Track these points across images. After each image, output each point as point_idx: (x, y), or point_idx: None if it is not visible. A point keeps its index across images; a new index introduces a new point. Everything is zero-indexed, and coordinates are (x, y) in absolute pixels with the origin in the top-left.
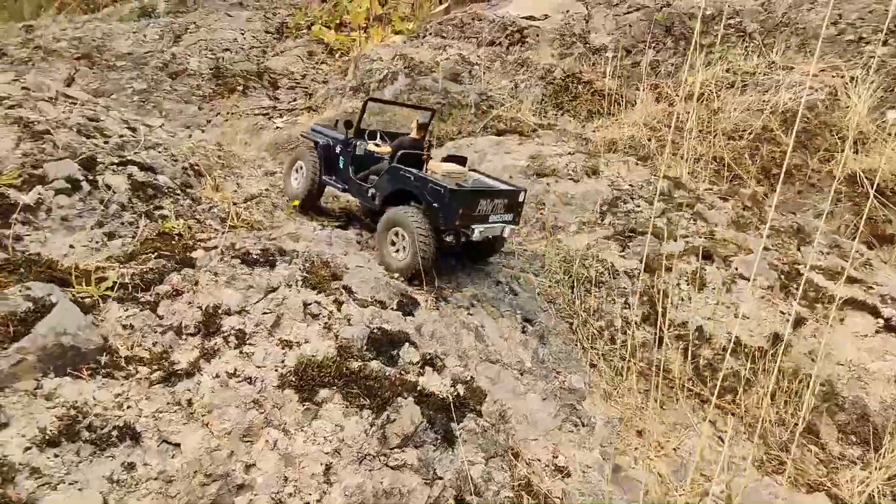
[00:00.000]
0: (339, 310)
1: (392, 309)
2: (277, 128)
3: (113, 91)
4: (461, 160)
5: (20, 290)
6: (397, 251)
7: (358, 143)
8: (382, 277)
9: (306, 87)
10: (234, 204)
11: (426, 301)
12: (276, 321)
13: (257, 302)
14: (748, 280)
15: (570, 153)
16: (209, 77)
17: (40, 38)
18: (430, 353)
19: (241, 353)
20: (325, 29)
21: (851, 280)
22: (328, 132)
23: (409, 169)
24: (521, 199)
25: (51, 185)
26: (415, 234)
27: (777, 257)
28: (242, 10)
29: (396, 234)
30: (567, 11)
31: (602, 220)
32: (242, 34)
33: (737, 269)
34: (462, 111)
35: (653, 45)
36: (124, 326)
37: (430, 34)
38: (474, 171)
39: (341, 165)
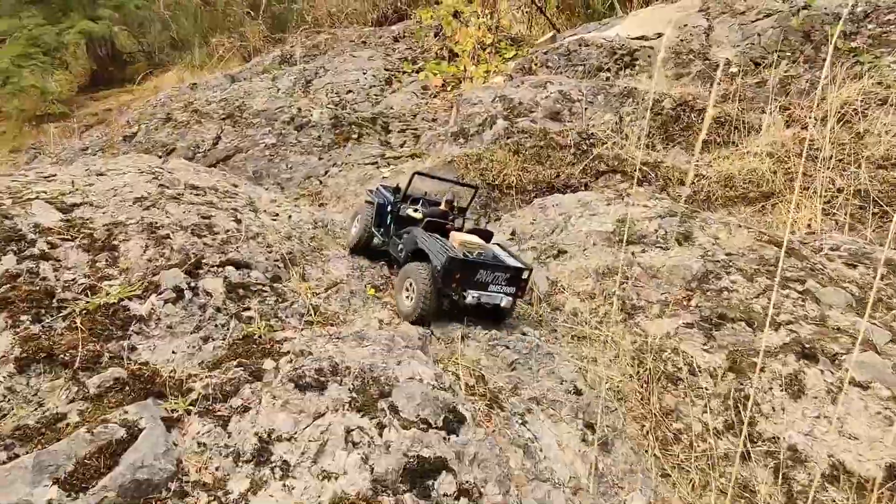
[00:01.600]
0: (380, 434)
1: (436, 428)
2: (384, 177)
3: (249, 147)
4: (486, 235)
5: (119, 416)
6: (407, 298)
7: (401, 207)
8: (431, 392)
9: (415, 129)
10: (315, 294)
11: (476, 411)
12: (319, 449)
13: (306, 428)
14: (862, 388)
15: (661, 215)
16: (328, 127)
17: (197, 100)
18: (468, 482)
19: (284, 485)
20: (434, 65)
21: None
22: (386, 193)
23: (430, 234)
24: (524, 276)
25: (162, 294)
26: (419, 286)
27: None
28: (364, 49)
29: (409, 285)
30: (684, 26)
31: (688, 302)
32: (364, 73)
33: (848, 370)
34: (561, 152)
35: (787, 55)
36: (199, 444)
37: (536, 65)
38: (499, 244)
39: (387, 223)
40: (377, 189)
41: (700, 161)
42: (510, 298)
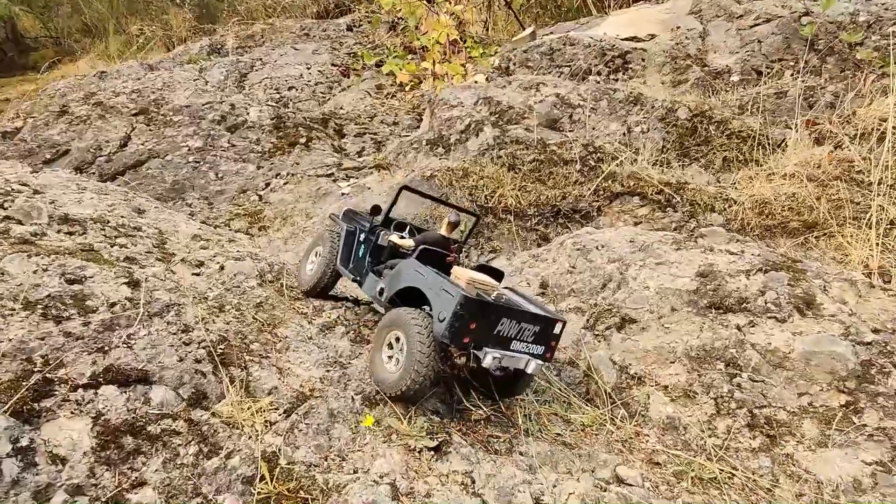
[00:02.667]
0: None
1: None
2: (343, 194)
3: (167, 151)
4: (497, 274)
5: None
6: (390, 359)
7: (382, 233)
8: None
9: (375, 134)
10: (269, 426)
11: None
12: None
13: None
14: None
15: (760, 268)
16: (269, 129)
17: (103, 91)
18: None
19: None
20: (396, 61)
21: None
22: (359, 218)
23: (426, 267)
24: (556, 330)
25: None
26: (413, 343)
27: None
28: (308, 42)
29: (395, 340)
30: (677, 28)
31: (855, 415)
32: (308, 69)
33: None
34: (565, 168)
35: (791, 64)
36: None
37: (516, 65)
38: (511, 289)
39: (360, 255)
40: (345, 213)
41: (723, 182)
42: (538, 362)
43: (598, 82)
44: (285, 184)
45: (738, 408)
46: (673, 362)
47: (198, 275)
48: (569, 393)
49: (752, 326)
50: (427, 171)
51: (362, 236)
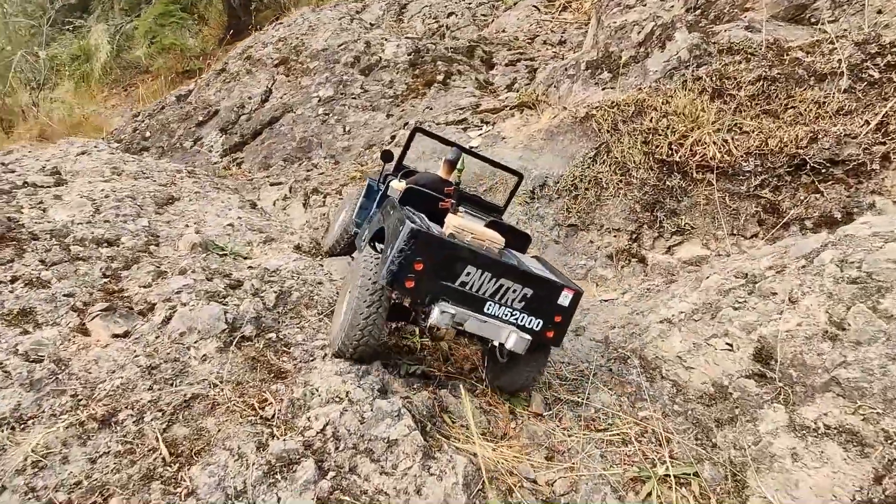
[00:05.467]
0: None
1: None
2: (472, 147)
3: (300, 103)
4: (521, 239)
5: None
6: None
7: (390, 181)
8: None
9: (532, 60)
10: None
11: None
12: None
13: None
14: None
15: None
16: (405, 67)
17: (254, 46)
18: None
19: None
20: None
21: None
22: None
23: (409, 211)
24: (562, 300)
25: None
26: (354, 289)
27: None
28: None
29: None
30: None
31: None
32: None
33: None
34: (817, 88)
35: None
36: None
37: None
38: (538, 258)
39: (372, 208)
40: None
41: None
42: (527, 338)
43: None
44: None
45: None
46: None
47: (124, 336)
48: None
49: None
50: (581, 108)
51: (375, 188)
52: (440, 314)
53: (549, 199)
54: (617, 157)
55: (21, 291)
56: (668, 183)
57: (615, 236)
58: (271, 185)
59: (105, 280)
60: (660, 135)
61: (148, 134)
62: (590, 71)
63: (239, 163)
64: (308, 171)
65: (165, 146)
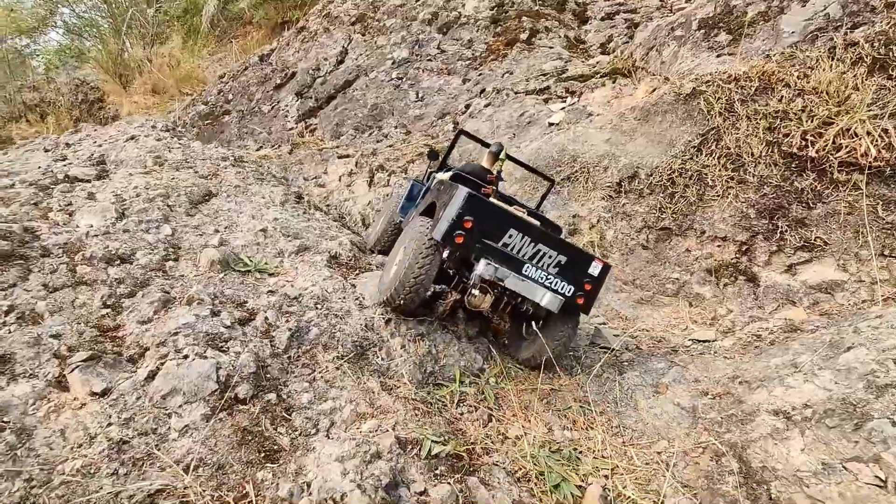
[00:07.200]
0: None
1: None
2: (551, 124)
3: (374, 66)
4: (555, 230)
5: None
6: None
7: (436, 175)
8: None
9: (634, 12)
10: None
11: None
12: None
13: None
14: None
15: None
16: (486, 23)
17: (332, 3)
18: None
19: None
20: None
21: None
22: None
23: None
24: (592, 270)
25: None
26: (410, 245)
27: None
28: None
29: (402, 252)
30: None
31: None
32: None
33: None
34: None
35: None
36: None
37: None
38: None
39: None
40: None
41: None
42: (561, 299)
43: None
44: (486, 105)
45: None
46: None
47: (102, 395)
48: None
49: None
50: (688, 81)
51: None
52: (486, 265)
53: (638, 194)
54: (730, 148)
55: (11, 327)
56: (796, 183)
57: (719, 246)
58: (339, 157)
59: (103, 312)
60: (791, 120)
61: (230, 97)
62: (703, 31)
63: (312, 129)
64: (378, 141)
65: (245, 110)
